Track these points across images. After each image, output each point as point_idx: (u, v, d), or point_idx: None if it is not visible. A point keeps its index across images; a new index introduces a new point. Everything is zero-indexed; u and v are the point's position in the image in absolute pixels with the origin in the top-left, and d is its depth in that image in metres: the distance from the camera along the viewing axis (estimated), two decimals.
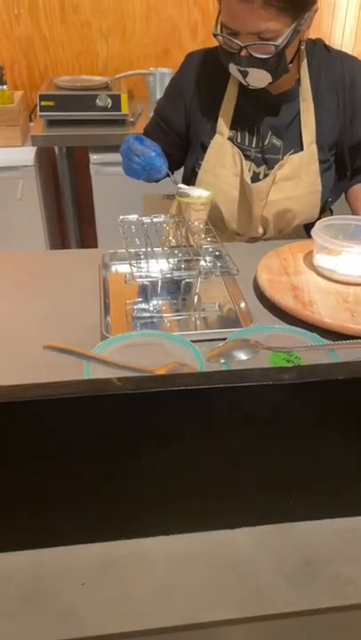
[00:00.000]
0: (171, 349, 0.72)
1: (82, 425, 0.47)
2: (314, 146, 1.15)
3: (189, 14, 2.12)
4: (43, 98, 1.84)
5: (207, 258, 1.06)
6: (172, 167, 1.27)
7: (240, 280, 1.00)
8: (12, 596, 0.53)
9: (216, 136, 1.18)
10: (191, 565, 0.56)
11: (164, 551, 0.57)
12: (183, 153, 1.28)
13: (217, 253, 1.08)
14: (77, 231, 2.23)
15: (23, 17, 2.08)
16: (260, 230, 1.23)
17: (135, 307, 0.95)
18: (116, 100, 1.86)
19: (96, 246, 2.04)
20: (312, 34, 1.10)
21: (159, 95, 2.13)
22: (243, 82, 1.08)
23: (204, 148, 1.19)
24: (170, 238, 1.02)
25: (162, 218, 1.06)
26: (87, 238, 2.34)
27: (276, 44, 0.98)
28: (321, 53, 1.15)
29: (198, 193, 1.06)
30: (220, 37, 1.02)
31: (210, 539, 0.58)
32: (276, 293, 0.93)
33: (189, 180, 1.28)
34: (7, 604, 0.52)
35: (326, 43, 1.17)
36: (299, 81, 1.14)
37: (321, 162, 1.17)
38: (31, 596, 0.53)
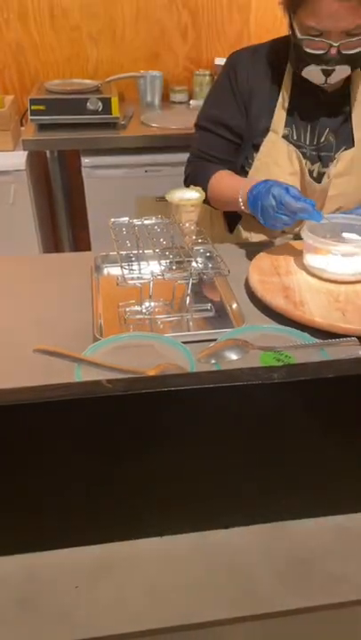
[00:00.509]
0: (162, 351, 0.72)
1: (72, 427, 0.47)
2: None
3: (179, 17, 2.13)
4: (33, 102, 1.84)
5: (198, 259, 1.06)
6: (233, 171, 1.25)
7: (232, 281, 1.00)
8: (6, 601, 0.53)
9: (270, 134, 1.17)
10: (185, 566, 0.56)
11: (158, 552, 0.57)
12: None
13: (208, 254, 1.08)
14: (70, 234, 2.23)
15: (13, 22, 2.08)
16: None
17: (127, 309, 0.96)
18: (107, 103, 1.86)
19: (89, 249, 2.04)
20: None
21: (149, 98, 2.15)
22: (320, 82, 1.07)
23: (256, 147, 1.19)
24: (161, 240, 1.02)
25: (153, 220, 1.07)
26: (80, 241, 2.34)
27: None
28: None
29: (189, 194, 1.07)
30: (305, 40, 1.02)
31: (204, 539, 0.58)
32: (267, 294, 0.93)
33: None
34: (1, 609, 0.52)
35: None
36: (350, 78, 1.14)
37: None
38: (25, 600, 0.53)
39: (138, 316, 0.94)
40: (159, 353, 0.72)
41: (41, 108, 1.85)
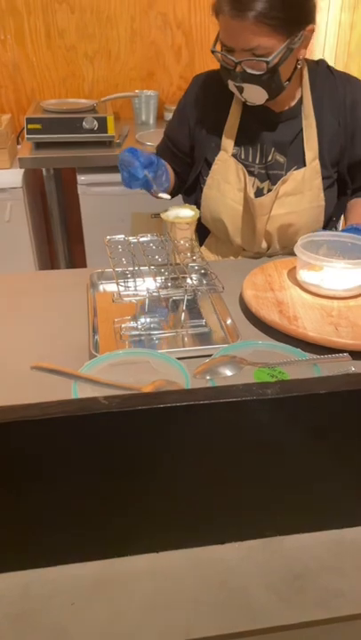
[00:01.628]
0: (157, 367, 0.73)
1: (68, 445, 0.48)
2: (317, 162, 1.19)
3: (173, 38, 2.17)
4: (30, 121, 1.87)
5: (193, 276, 1.07)
6: (183, 185, 1.32)
7: (226, 297, 1.01)
8: (2, 617, 0.53)
9: (220, 153, 1.22)
10: (181, 582, 0.56)
11: (154, 569, 0.57)
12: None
13: (203, 271, 1.10)
14: (66, 251, 2.25)
15: (10, 42, 2.11)
16: (265, 245, 1.26)
17: (123, 325, 0.96)
18: (103, 122, 1.89)
19: (85, 266, 2.06)
20: None
21: (144, 117, 2.18)
22: (240, 97, 1.11)
23: (209, 165, 1.23)
24: (156, 257, 1.04)
25: (148, 237, 1.08)
26: (76, 258, 2.36)
27: (268, 60, 1.01)
28: (323, 74, 1.19)
29: (183, 212, 1.08)
30: (218, 54, 1.06)
31: (200, 555, 0.59)
32: (261, 309, 0.94)
33: (192, 195, 1.31)
34: None
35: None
36: (301, 100, 1.17)
37: (324, 178, 1.20)
38: (21, 617, 0.53)
39: (133, 333, 0.95)
40: (155, 369, 0.73)
41: (37, 126, 1.87)
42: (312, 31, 1.05)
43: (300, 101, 1.18)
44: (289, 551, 0.59)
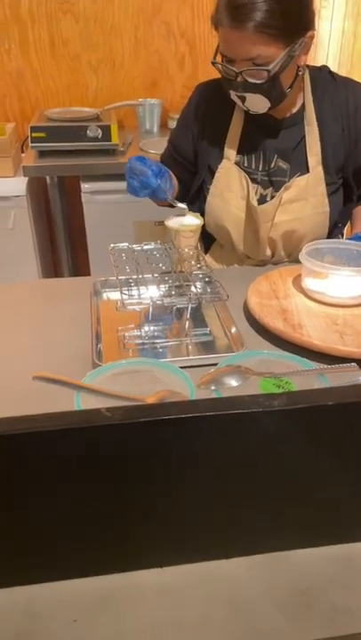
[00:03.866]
0: (161, 377, 0.72)
1: (70, 458, 0.47)
2: (320, 168, 1.19)
3: (176, 47, 2.18)
4: (34, 129, 1.87)
5: (197, 284, 1.07)
6: (187, 193, 1.32)
7: (231, 305, 1.01)
8: (4, 634, 0.51)
9: (223, 161, 1.22)
10: (186, 598, 0.55)
11: (159, 584, 0.56)
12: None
13: (207, 279, 1.09)
14: (70, 259, 2.24)
15: (14, 52, 2.12)
16: (269, 252, 1.26)
17: (127, 333, 0.96)
18: (106, 130, 1.89)
19: (89, 273, 2.05)
20: None
21: (148, 125, 2.19)
22: (242, 107, 1.11)
23: (212, 173, 1.23)
24: (160, 265, 1.03)
25: (152, 245, 1.07)
26: (80, 266, 2.36)
27: (269, 68, 1.01)
28: (326, 80, 1.18)
29: (188, 220, 1.08)
30: (219, 65, 1.06)
31: (205, 570, 0.57)
32: (265, 317, 0.94)
33: (196, 203, 1.31)
34: None
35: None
36: (303, 106, 1.17)
37: (328, 184, 1.20)
38: (23, 634, 0.52)
39: (137, 341, 0.94)
40: (158, 379, 0.72)
41: (41, 135, 1.88)
42: (312, 37, 1.05)
43: (303, 108, 1.17)
44: (295, 567, 0.58)
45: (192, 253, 1.07)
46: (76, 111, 2.08)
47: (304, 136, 1.18)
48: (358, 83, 1.21)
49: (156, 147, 1.96)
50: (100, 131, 1.88)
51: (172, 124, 2.19)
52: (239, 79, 1.04)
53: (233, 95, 1.09)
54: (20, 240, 1.99)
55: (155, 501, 0.52)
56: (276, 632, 0.52)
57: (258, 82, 1.03)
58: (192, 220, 1.08)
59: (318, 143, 1.18)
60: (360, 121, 1.17)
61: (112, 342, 0.94)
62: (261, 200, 1.21)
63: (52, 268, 2.37)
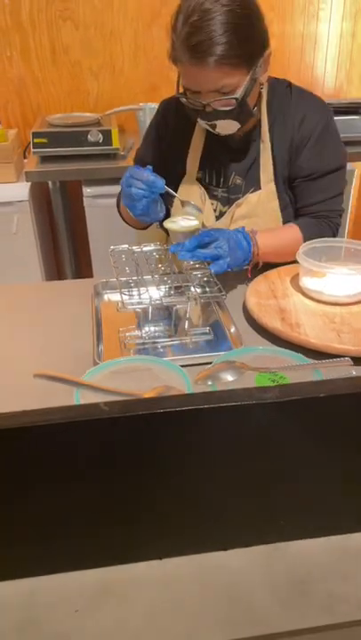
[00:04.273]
0: (159, 374, 0.73)
1: (69, 451, 0.48)
2: (272, 184, 1.18)
3: None
4: (36, 135, 1.90)
5: (196, 284, 1.08)
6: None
7: (230, 304, 1.02)
8: (6, 625, 0.53)
9: (186, 176, 1.23)
10: (185, 589, 0.56)
11: (158, 575, 0.57)
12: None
13: (206, 279, 1.10)
14: (73, 263, 2.26)
15: (15, 59, 2.15)
16: None
17: (128, 334, 0.97)
18: (107, 135, 1.91)
19: (92, 276, 2.07)
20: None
21: None
22: (213, 132, 1.11)
23: (175, 188, 1.22)
24: (159, 266, 1.05)
25: (151, 246, 1.09)
26: (83, 269, 2.38)
27: (237, 96, 1.01)
28: (282, 93, 1.17)
29: (186, 222, 1.09)
30: (184, 99, 1.06)
31: (203, 561, 0.59)
32: (264, 316, 0.95)
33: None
34: (1, 634, 0.52)
35: (293, 82, 1.19)
36: (259, 121, 1.16)
37: (280, 199, 1.19)
38: (25, 625, 0.53)
39: (138, 341, 0.95)
40: (156, 376, 0.73)
41: (43, 140, 1.90)
42: (270, 54, 1.04)
43: (258, 123, 1.16)
44: (293, 557, 0.59)
45: None
46: (77, 116, 2.11)
47: (259, 153, 1.18)
48: (313, 94, 1.19)
49: None
50: (100, 135, 1.91)
51: None
52: (208, 109, 1.04)
53: (202, 123, 1.09)
54: (23, 244, 2.01)
55: (153, 494, 0.53)
56: (274, 620, 0.53)
57: (227, 109, 1.03)
58: (191, 222, 1.10)
59: (270, 159, 1.17)
60: (304, 130, 1.14)
61: (113, 343, 0.95)
62: (220, 216, 1.22)
63: (55, 272, 2.39)
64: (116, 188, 1.92)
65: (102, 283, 1.12)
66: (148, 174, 1.03)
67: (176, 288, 1.03)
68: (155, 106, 2.17)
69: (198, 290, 1.04)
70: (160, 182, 1.03)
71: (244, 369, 0.71)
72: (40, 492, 0.51)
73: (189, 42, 0.96)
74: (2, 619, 0.53)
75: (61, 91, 2.23)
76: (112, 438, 0.49)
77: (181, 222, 1.09)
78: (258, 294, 1.03)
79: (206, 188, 1.22)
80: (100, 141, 1.91)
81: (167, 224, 1.09)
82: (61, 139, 1.91)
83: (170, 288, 1.05)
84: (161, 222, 1.15)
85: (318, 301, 1.00)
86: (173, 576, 0.57)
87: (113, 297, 1.10)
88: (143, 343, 0.95)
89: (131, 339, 0.96)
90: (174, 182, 1.23)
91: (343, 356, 0.78)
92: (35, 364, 0.85)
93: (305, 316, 0.95)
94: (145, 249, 1.08)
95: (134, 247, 1.08)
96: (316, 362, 0.74)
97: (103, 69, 2.21)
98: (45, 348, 0.94)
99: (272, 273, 1.12)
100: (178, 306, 1.01)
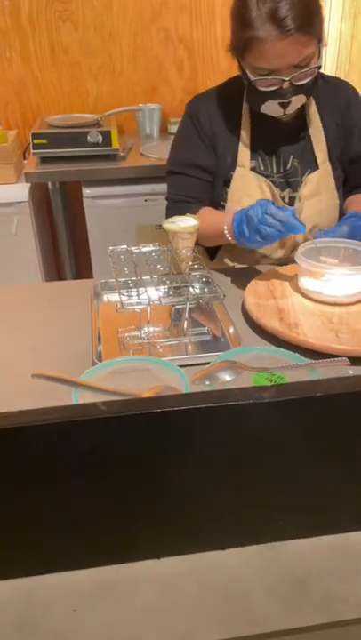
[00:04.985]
0: (157, 374, 0.73)
1: (68, 450, 0.49)
2: (327, 163, 1.23)
3: (175, 53, 2.20)
4: (35, 136, 1.90)
5: (195, 284, 1.08)
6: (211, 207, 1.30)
7: (229, 305, 1.02)
8: (5, 625, 0.53)
9: (238, 169, 1.22)
10: (183, 588, 0.56)
11: (156, 574, 0.57)
12: None
13: (204, 280, 1.10)
14: (73, 263, 2.26)
15: (15, 60, 2.15)
16: (290, 251, 1.27)
17: (127, 334, 0.97)
18: (107, 135, 1.92)
19: (92, 277, 2.07)
20: None
21: (148, 130, 2.20)
22: (279, 115, 1.13)
23: (227, 183, 1.24)
24: (158, 266, 1.05)
25: (150, 247, 1.09)
26: (83, 270, 2.38)
27: (319, 64, 1.05)
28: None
29: (185, 223, 1.09)
30: (259, 80, 1.06)
31: (201, 560, 0.59)
32: (262, 317, 0.95)
33: None
34: (0, 634, 0.52)
35: None
36: (303, 105, 1.19)
37: (335, 177, 1.25)
38: (24, 624, 0.53)
39: (137, 341, 0.96)
40: (154, 376, 0.73)
41: (43, 141, 1.90)
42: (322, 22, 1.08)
43: (303, 106, 1.19)
44: (290, 556, 0.59)
45: (190, 255, 1.09)
46: (77, 117, 2.11)
47: (309, 134, 1.22)
48: (345, 80, 1.28)
49: (157, 151, 1.99)
50: (100, 136, 1.91)
51: (173, 129, 2.21)
52: (285, 86, 1.05)
53: (271, 105, 1.09)
54: (23, 245, 2.01)
55: (150, 493, 0.54)
56: (273, 619, 0.54)
57: (305, 82, 1.06)
58: (189, 222, 1.10)
59: (324, 139, 1.22)
60: (351, 114, 1.23)
61: (112, 343, 0.96)
62: (290, 202, 1.24)
63: (55, 273, 2.39)
64: (115, 189, 1.94)
65: (101, 283, 1.12)
66: (290, 217, 0.98)
67: (175, 288, 1.04)
68: (154, 107, 2.18)
69: (197, 290, 1.05)
70: (302, 228, 0.98)
71: (241, 369, 0.71)
72: (38, 491, 0.51)
73: (277, 16, 0.98)
74: (0, 618, 0.53)
75: (61, 92, 2.23)
76: (110, 438, 0.49)
77: (180, 222, 1.09)
78: (257, 294, 1.03)
79: (263, 177, 1.23)
80: (100, 142, 1.91)
81: (166, 225, 1.09)
82: (61, 140, 1.91)
83: (169, 288, 1.05)
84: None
85: (317, 302, 1.00)
86: (172, 575, 0.57)
87: (112, 297, 1.10)
88: (142, 343, 0.95)
89: (130, 339, 0.96)
90: (225, 176, 1.24)
91: (341, 356, 0.78)
92: (34, 365, 0.85)
93: (303, 317, 0.95)
94: (144, 249, 1.09)
95: (133, 248, 1.08)
96: (313, 361, 0.74)
97: (103, 70, 2.21)
98: (45, 348, 0.95)
99: (270, 273, 1.12)
100: (177, 306, 1.02)
